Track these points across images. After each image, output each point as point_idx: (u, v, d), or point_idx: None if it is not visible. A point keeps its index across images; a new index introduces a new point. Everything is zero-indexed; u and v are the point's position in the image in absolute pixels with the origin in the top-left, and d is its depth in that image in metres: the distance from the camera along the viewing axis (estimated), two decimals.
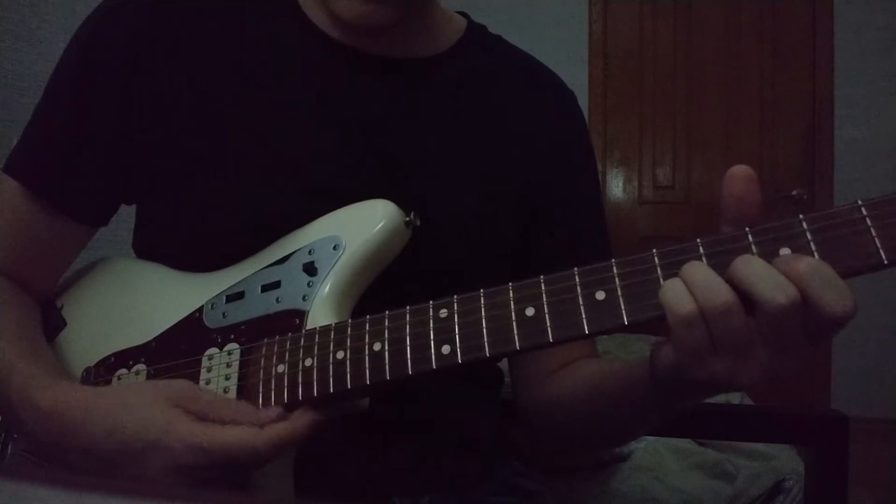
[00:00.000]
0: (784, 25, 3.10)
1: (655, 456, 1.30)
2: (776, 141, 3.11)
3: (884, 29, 2.98)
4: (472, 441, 0.70)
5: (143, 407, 0.51)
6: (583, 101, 3.25)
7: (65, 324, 0.68)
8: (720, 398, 1.65)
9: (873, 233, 0.41)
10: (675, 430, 1.07)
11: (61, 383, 0.57)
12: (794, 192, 3.03)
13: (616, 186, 3.32)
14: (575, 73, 3.25)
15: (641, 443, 1.33)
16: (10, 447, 0.65)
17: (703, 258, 0.44)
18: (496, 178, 0.70)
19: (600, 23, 3.30)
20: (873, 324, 2.95)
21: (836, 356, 3.02)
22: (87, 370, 0.64)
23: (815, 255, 0.42)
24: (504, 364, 0.76)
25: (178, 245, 0.66)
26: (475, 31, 0.76)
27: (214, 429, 0.50)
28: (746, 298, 0.42)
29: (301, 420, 0.51)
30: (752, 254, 0.43)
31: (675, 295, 0.43)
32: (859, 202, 0.42)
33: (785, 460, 1.27)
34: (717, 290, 0.42)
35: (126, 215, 0.72)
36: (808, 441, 0.91)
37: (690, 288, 0.43)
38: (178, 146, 0.64)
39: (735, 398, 1.68)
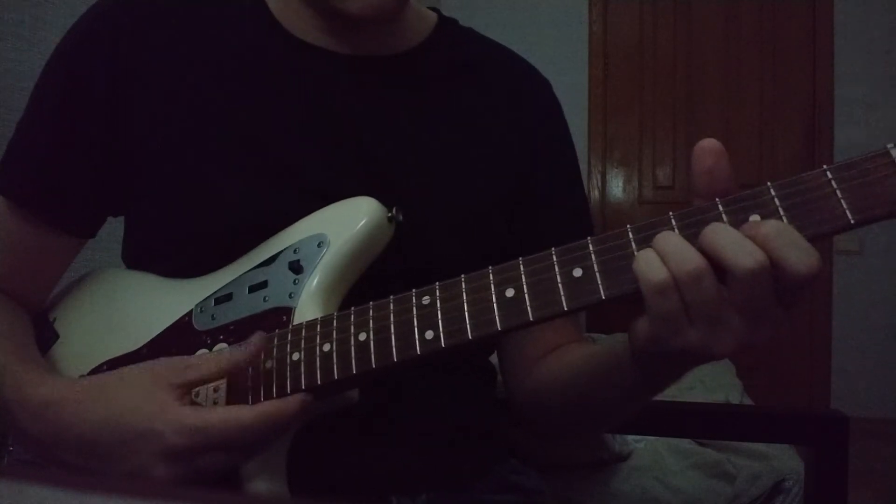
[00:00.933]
0: (784, 25, 3.10)
1: (655, 456, 1.30)
2: (776, 141, 3.11)
3: (884, 29, 2.98)
4: (466, 435, 0.70)
5: (132, 395, 0.52)
6: (583, 101, 3.28)
7: (57, 336, 0.68)
8: (720, 398, 1.64)
9: (839, 195, 0.42)
10: (675, 430, 1.07)
11: (53, 379, 0.57)
12: None
13: (616, 186, 3.32)
14: (575, 73, 3.25)
15: (641, 443, 1.33)
16: (5, 459, 0.65)
17: (676, 230, 0.45)
18: (488, 174, 0.70)
19: (600, 23, 3.30)
20: (873, 324, 2.95)
21: (836, 356, 3.03)
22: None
23: (784, 219, 0.43)
24: (496, 359, 0.77)
25: (173, 249, 0.65)
26: (447, 25, 0.76)
27: (204, 409, 0.51)
28: (718, 266, 0.42)
29: (291, 399, 0.52)
30: (723, 222, 0.43)
31: (648, 264, 0.43)
32: (825, 167, 0.43)
33: (785, 460, 1.27)
34: (688, 256, 0.42)
35: (115, 225, 0.72)
36: (808, 441, 0.91)
37: (662, 257, 0.43)
38: (176, 147, 0.64)
39: (735, 398, 1.68)
